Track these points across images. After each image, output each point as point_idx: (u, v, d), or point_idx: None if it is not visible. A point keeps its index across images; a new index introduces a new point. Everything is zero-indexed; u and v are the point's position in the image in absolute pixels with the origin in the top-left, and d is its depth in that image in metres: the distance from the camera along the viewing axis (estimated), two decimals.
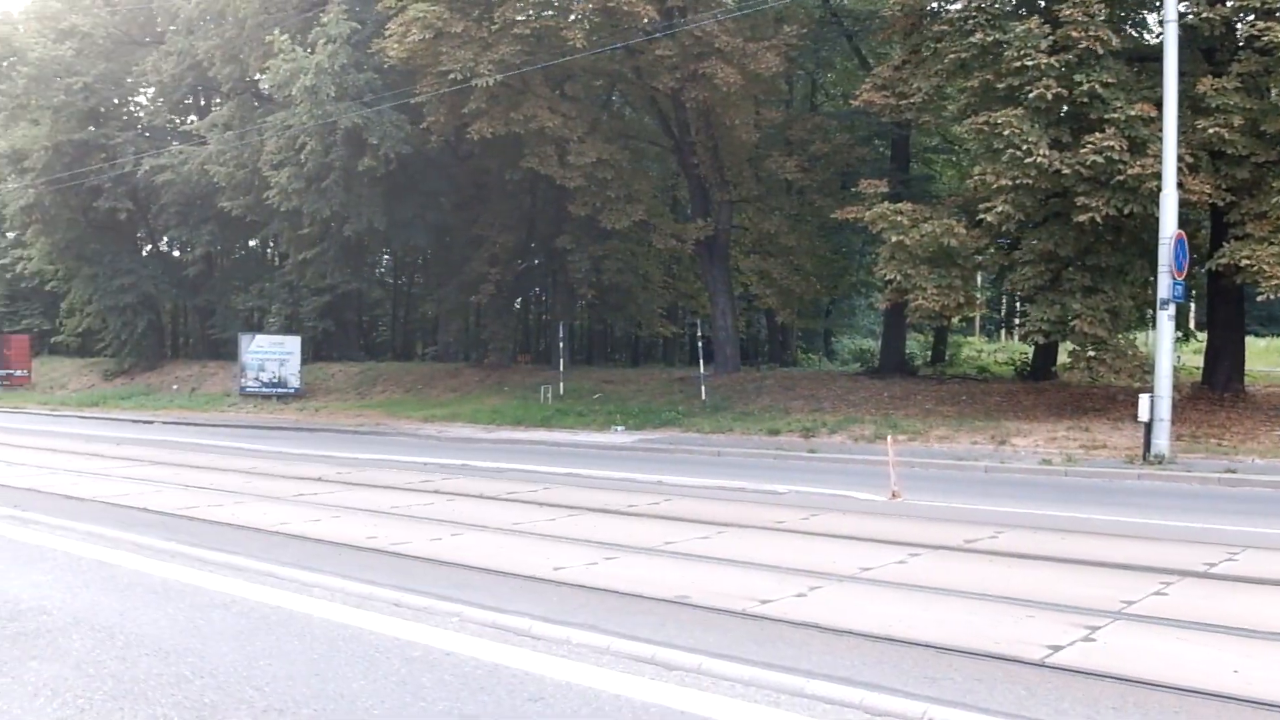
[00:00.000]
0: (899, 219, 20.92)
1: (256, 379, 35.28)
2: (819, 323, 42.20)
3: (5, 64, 43.76)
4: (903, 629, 6.48)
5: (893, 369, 27.88)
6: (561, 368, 30.30)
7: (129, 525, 10.86)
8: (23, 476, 15.85)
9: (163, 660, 6.04)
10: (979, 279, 30.18)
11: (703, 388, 26.24)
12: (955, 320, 30.82)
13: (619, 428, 23.62)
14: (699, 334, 29.57)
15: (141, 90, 46.00)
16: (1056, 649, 6.05)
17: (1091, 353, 19.81)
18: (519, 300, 46.03)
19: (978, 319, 47.98)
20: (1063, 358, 24.26)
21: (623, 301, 37.19)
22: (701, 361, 27.63)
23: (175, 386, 42.31)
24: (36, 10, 45.74)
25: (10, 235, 53.64)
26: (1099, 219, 18.57)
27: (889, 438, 14.72)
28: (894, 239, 20.83)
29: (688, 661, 5.79)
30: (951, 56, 20.21)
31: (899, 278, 21.05)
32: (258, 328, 40.77)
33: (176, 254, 50.59)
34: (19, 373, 50.39)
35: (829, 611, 6.96)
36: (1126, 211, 18.51)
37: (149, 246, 50.05)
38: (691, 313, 41.15)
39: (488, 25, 24.90)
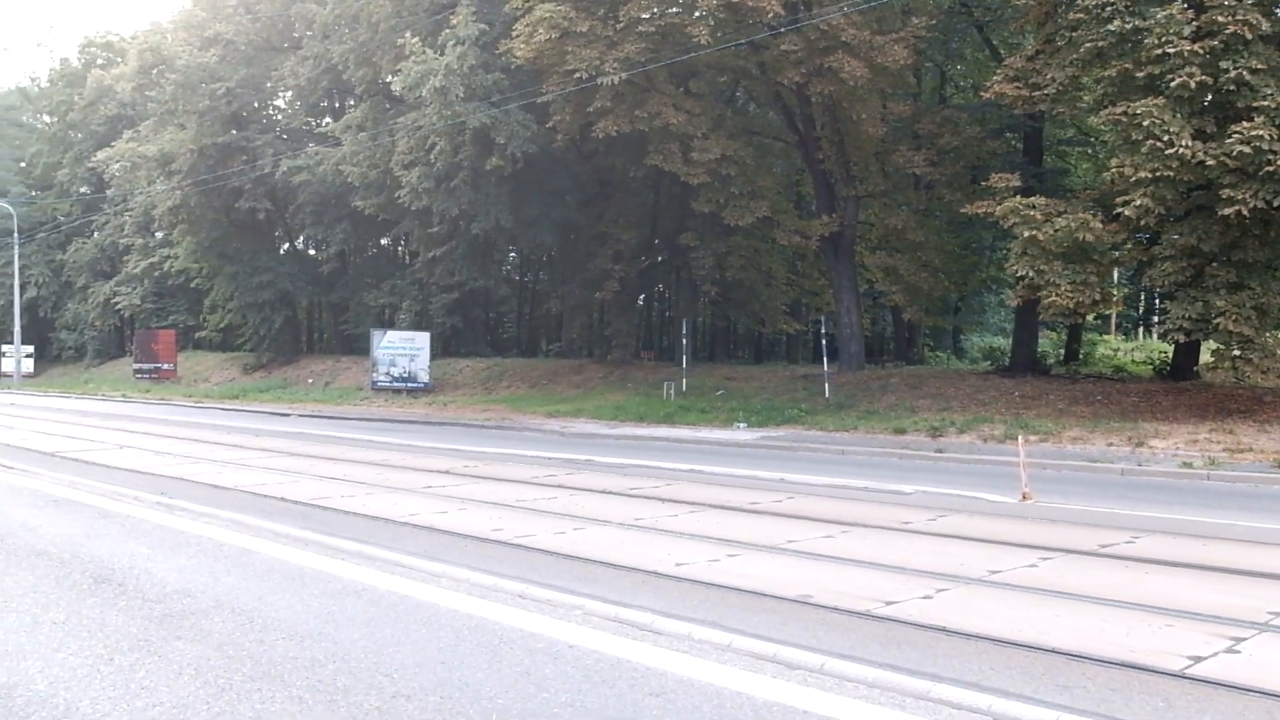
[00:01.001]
0: (1031, 213, 20.39)
1: (388, 374, 36.21)
2: (947, 320, 41.32)
3: (155, 72, 45.98)
4: (1033, 634, 6.31)
5: (1024, 368, 27.14)
6: (684, 364, 30.32)
7: (268, 514, 11.27)
8: (170, 466, 16.60)
9: (298, 644, 6.25)
10: (1115, 275, 29.18)
11: (826, 385, 25.96)
12: (1090, 318, 29.88)
13: (741, 424, 23.54)
14: (823, 331, 29.27)
15: (280, 94, 47.82)
16: (1198, 660, 5.80)
17: (1237, 352, 18.97)
18: (642, 297, 46.24)
19: (1114, 316, 46.40)
20: (1205, 357, 23.31)
21: (746, 298, 37.05)
22: (825, 359, 27.32)
23: (310, 380, 43.74)
24: (184, 19, 48.00)
25: (159, 235, 56.22)
26: (1246, 212, 17.77)
27: (1020, 438, 14.33)
28: (1026, 234, 20.30)
29: (811, 661, 5.74)
30: (1088, 45, 19.59)
31: (1031, 274, 20.50)
32: (389, 324, 41.88)
33: (312, 252, 52.37)
34: (166, 366, 52.87)
35: (956, 614, 6.81)
36: (1277, 204, 17.68)
37: (286, 245, 51.90)
38: (816, 309, 40.75)
39: (613, 24, 25.09)
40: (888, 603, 7.10)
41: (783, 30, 24.65)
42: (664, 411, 26.04)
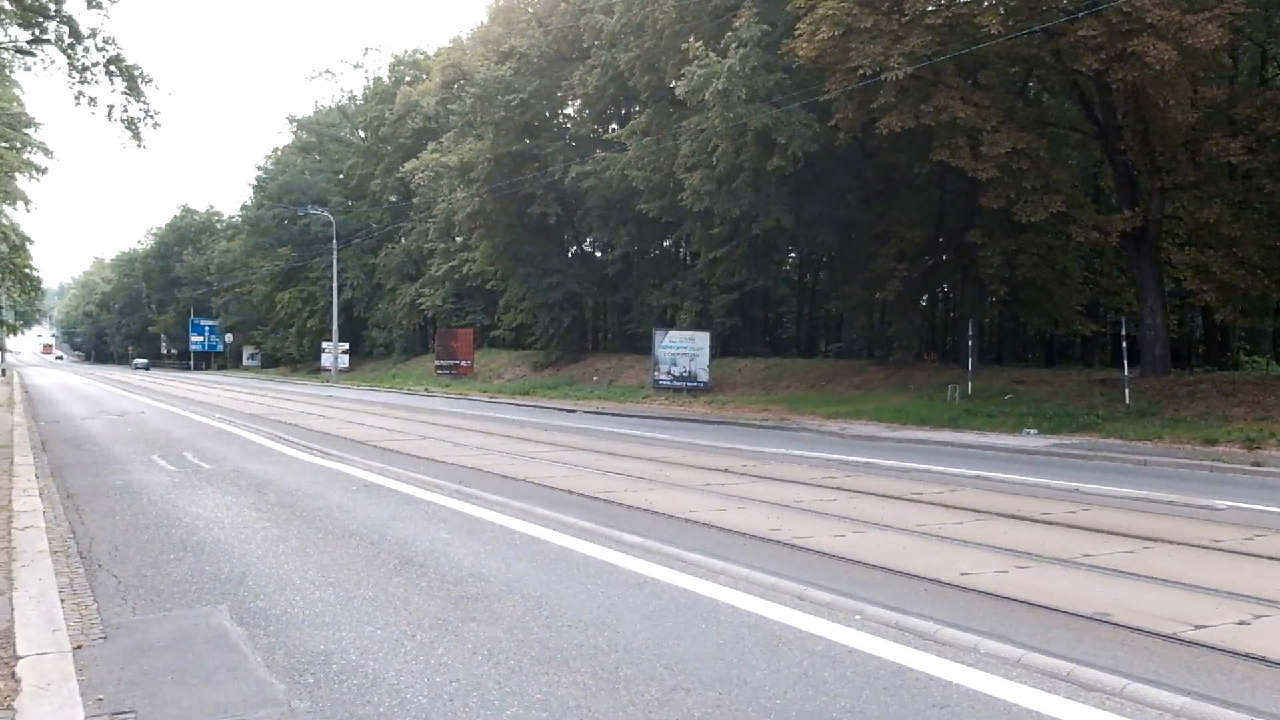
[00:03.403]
0: None
1: (669, 373, 36.96)
2: (1267, 322, 37.83)
3: (455, 86, 49.08)
4: None
5: None
6: (970, 366, 29.29)
7: (555, 504, 11.75)
8: (467, 456, 17.62)
9: (582, 632, 6.46)
10: None
11: (1127, 391, 24.39)
12: None
13: (1031, 430, 22.49)
14: (1123, 333, 27.40)
15: (569, 103, 49.82)
16: None
17: None
18: (925, 297, 44.99)
19: None
20: None
21: (1037, 298, 35.29)
22: (1126, 363, 25.64)
23: (595, 378, 45.25)
24: (482, 35, 51.05)
25: (459, 239, 59.89)
26: None
27: None
28: None
29: (1110, 683, 5.39)
30: None
31: None
32: (670, 324, 42.71)
33: (598, 254, 54.25)
34: (464, 363, 56.25)
35: (1277, 644, 6.22)
36: None
37: (574, 248, 54.02)
38: (1115, 310, 38.32)
39: (898, 18, 24.57)
40: (1197, 626, 6.59)
41: (1080, 15, 23.32)
42: (948, 415, 25.25)
